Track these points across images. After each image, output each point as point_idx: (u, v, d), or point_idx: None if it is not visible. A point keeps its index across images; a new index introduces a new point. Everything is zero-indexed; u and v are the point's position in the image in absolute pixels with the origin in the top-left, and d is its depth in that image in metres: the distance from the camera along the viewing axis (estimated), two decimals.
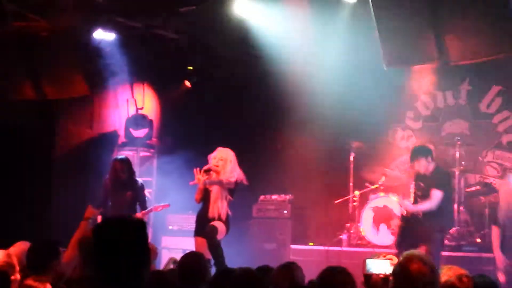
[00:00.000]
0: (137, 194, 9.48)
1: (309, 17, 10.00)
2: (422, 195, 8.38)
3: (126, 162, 9.50)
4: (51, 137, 10.97)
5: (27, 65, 7.58)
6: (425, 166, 8.37)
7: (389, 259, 4.51)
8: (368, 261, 4.44)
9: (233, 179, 8.59)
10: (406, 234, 8.34)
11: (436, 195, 8.24)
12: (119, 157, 9.64)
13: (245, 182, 8.79)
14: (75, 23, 7.44)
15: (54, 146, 11.04)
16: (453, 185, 9.12)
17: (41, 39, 7.52)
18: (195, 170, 8.52)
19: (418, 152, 8.54)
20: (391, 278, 4.03)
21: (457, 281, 3.64)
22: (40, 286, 4.26)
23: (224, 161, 8.65)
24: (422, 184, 8.43)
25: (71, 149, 10.84)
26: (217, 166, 8.62)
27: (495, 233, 8.28)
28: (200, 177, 8.50)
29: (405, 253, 3.87)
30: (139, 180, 9.85)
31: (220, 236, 8.50)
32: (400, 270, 3.63)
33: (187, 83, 12.47)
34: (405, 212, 8.44)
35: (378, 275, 4.34)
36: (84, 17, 7.84)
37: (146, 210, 9.56)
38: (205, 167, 8.63)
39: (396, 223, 8.81)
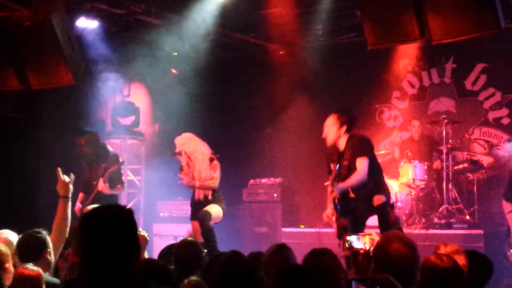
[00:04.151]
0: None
1: None
2: (348, 173, 7.26)
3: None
4: (37, 127, 10.93)
5: (11, 55, 7.50)
6: (334, 136, 7.41)
7: (369, 234, 4.55)
8: (349, 238, 4.46)
9: (215, 177, 8.65)
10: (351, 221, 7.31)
11: (360, 162, 7.22)
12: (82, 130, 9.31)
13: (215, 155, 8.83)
14: (58, 11, 7.37)
15: (40, 136, 11.00)
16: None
17: (24, 28, 7.44)
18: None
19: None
20: (371, 254, 4.06)
21: (438, 260, 3.66)
22: (33, 273, 4.24)
23: (194, 151, 8.68)
24: (345, 163, 7.33)
25: (58, 139, 10.81)
26: (191, 154, 8.67)
27: (507, 208, 8.22)
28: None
29: (384, 233, 3.89)
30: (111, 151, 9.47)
31: (217, 218, 8.57)
32: (380, 251, 3.66)
33: (173, 70, 12.43)
34: (336, 199, 7.29)
35: (360, 251, 4.38)
36: (66, 6, 7.79)
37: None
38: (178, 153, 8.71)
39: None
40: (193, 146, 8.70)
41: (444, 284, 3.58)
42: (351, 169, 7.27)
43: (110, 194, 9.04)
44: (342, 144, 7.42)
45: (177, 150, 8.73)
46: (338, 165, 7.32)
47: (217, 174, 8.65)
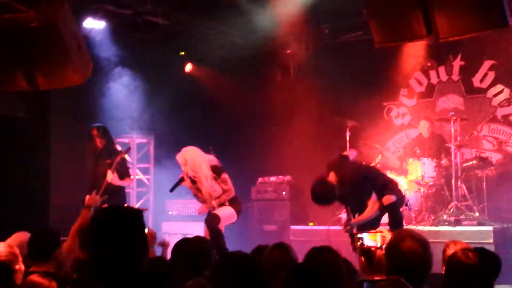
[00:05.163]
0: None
1: None
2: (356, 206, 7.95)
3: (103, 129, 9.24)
4: (46, 127, 10.96)
5: (19, 57, 7.52)
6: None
7: (380, 231, 4.55)
8: (360, 236, 4.47)
9: (227, 188, 8.61)
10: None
11: (370, 202, 7.85)
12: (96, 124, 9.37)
13: (218, 163, 8.75)
14: (65, 12, 7.39)
15: (49, 136, 11.03)
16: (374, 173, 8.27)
17: (31, 30, 7.45)
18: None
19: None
20: (382, 251, 4.06)
21: (464, 257, 3.66)
22: (45, 282, 4.25)
23: (196, 173, 8.59)
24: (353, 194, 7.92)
25: (67, 139, 10.85)
26: (194, 176, 8.61)
27: None
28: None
29: (396, 231, 3.88)
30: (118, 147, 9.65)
31: (231, 219, 8.59)
32: (393, 249, 3.65)
33: (188, 67, 12.42)
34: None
35: (375, 248, 4.37)
36: (73, 6, 7.80)
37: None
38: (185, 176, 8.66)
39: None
40: (193, 165, 8.59)
41: (468, 280, 3.59)
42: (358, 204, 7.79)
43: (119, 187, 9.06)
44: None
45: (181, 174, 8.69)
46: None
47: (228, 186, 8.61)
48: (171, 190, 8.79)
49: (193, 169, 8.53)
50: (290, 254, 4.44)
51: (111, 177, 8.87)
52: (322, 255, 3.95)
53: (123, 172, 9.16)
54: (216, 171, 8.58)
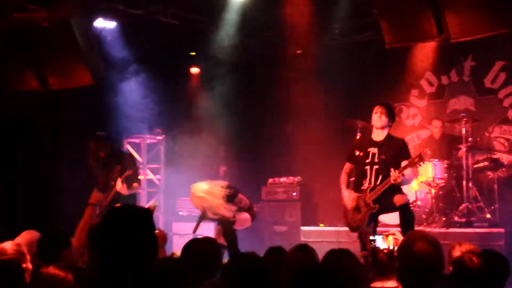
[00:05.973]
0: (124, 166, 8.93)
1: None
2: (384, 168, 7.32)
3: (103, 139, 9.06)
4: (55, 129, 10.99)
5: (30, 56, 7.57)
6: (383, 123, 7.41)
7: (392, 234, 4.53)
8: (373, 238, 4.46)
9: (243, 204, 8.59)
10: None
11: (409, 171, 7.28)
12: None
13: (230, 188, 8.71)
14: (76, 12, 7.43)
15: (59, 137, 11.07)
16: None
17: (42, 29, 7.49)
18: None
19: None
20: (395, 253, 4.05)
21: (468, 261, 3.65)
22: (62, 274, 4.26)
23: (218, 215, 8.53)
24: (383, 156, 7.40)
25: (76, 141, 10.88)
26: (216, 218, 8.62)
27: None
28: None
29: (409, 232, 3.87)
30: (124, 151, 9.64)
31: (246, 224, 8.60)
32: (405, 250, 3.64)
33: (194, 69, 12.44)
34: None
35: (383, 250, 4.36)
36: (84, 6, 7.84)
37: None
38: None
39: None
40: (213, 211, 8.52)
41: (471, 285, 3.57)
42: (388, 166, 7.21)
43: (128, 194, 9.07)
44: (379, 136, 7.45)
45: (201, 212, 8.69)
46: (370, 154, 7.39)
47: (243, 203, 8.61)
48: (194, 231, 8.80)
49: (214, 213, 8.54)
50: (312, 256, 4.44)
51: (120, 186, 8.82)
52: (341, 258, 3.95)
53: (133, 179, 9.10)
54: (231, 198, 8.56)
